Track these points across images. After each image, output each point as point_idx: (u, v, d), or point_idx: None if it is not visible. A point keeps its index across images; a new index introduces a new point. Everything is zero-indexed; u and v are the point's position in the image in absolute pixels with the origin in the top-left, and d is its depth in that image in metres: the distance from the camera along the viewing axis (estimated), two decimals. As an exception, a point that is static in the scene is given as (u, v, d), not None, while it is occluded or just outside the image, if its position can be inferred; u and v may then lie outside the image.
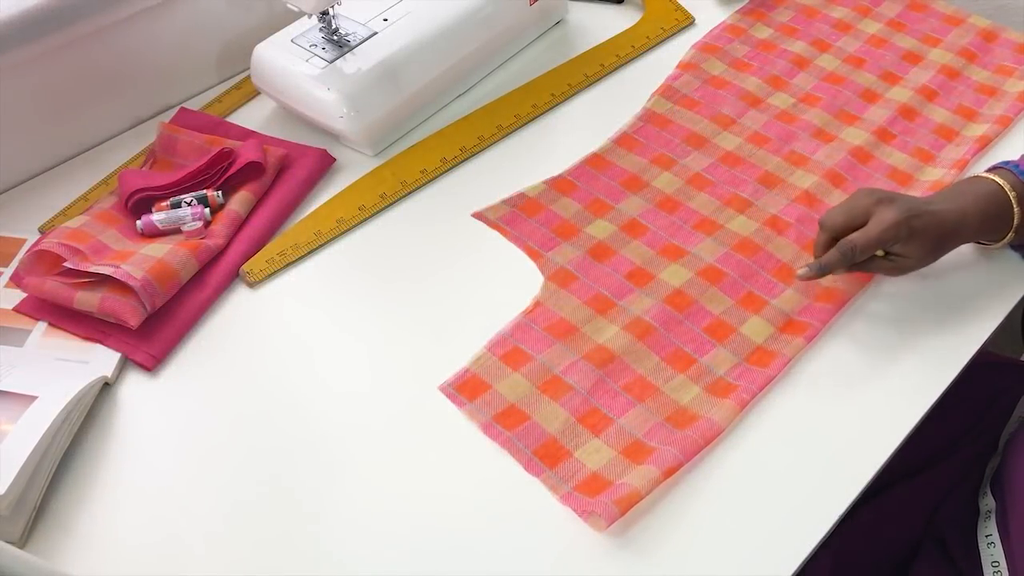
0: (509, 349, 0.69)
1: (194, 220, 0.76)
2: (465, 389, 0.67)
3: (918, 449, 0.67)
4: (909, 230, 0.66)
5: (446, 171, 0.84)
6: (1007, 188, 0.68)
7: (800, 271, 0.68)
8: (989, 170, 0.71)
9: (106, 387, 0.68)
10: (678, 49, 0.95)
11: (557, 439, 0.64)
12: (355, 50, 0.83)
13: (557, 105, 0.90)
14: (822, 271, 0.68)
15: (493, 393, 0.66)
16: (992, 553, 0.67)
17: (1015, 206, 0.68)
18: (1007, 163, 0.70)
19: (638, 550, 0.59)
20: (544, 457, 0.63)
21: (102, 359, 0.69)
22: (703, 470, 0.62)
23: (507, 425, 0.65)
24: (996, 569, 0.66)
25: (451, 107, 0.90)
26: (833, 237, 0.68)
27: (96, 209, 0.78)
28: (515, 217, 0.79)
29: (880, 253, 0.68)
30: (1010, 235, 0.69)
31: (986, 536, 0.69)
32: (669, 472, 0.61)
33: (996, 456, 0.75)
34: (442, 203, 0.81)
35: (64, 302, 0.70)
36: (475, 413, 0.65)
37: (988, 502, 0.72)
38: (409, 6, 0.87)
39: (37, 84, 0.80)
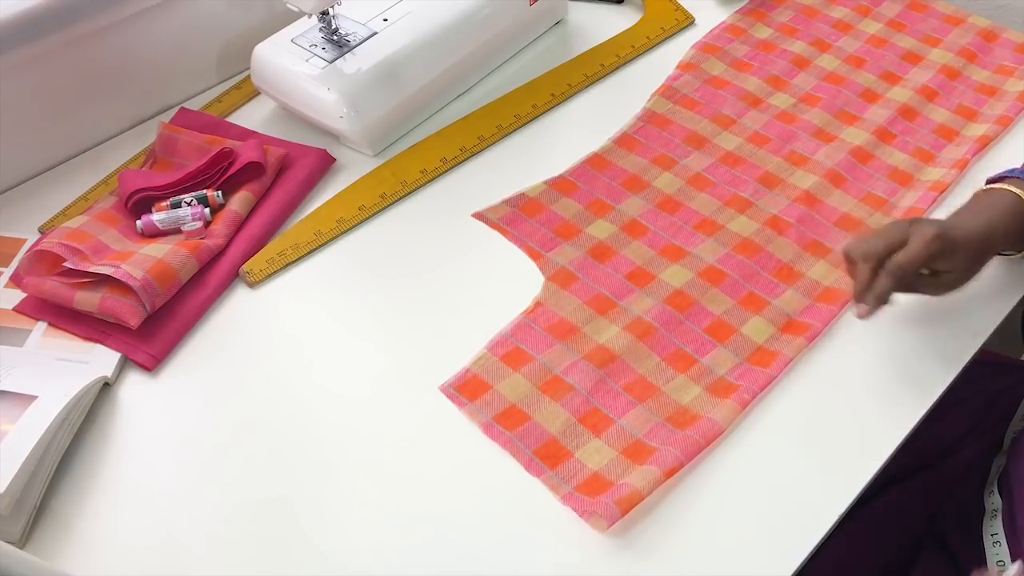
0: (510, 349, 0.69)
1: (194, 220, 0.76)
2: (466, 389, 0.67)
3: (918, 449, 0.67)
4: (951, 242, 0.63)
5: (446, 171, 0.84)
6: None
7: (858, 311, 0.64)
8: (995, 180, 0.70)
9: (106, 387, 0.68)
10: (678, 49, 0.95)
11: (558, 439, 0.64)
12: (355, 50, 0.83)
13: (557, 105, 0.90)
14: (880, 301, 0.64)
15: (494, 393, 0.66)
16: (997, 552, 0.67)
17: None
18: (1012, 171, 0.69)
19: (639, 550, 0.59)
20: (545, 457, 0.63)
21: (102, 359, 0.69)
22: (704, 470, 0.62)
23: (508, 425, 0.65)
24: (1001, 568, 0.66)
25: (451, 107, 0.90)
26: (876, 267, 0.65)
27: (96, 209, 0.78)
28: (515, 217, 0.79)
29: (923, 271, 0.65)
30: None
31: (992, 535, 0.69)
32: (670, 472, 0.61)
33: (1002, 455, 0.75)
34: (442, 203, 0.81)
35: (64, 302, 0.70)
36: (476, 413, 0.65)
37: (994, 500, 0.72)
38: (409, 6, 0.87)
39: (37, 84, 0.80)
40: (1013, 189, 0.67)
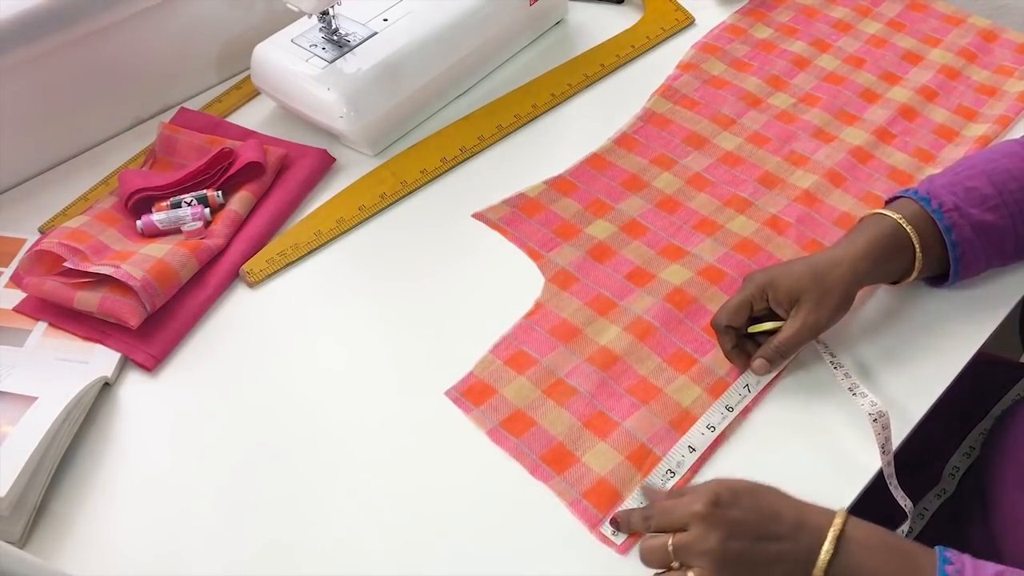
0: (513, 352, 0.69)
1: (194, 220, 0.76)
2: (471, 394, 0.67)
3: (913, 448, 0.67)
4: (769, 280, 0.64)
5: (446, 171, 0.84)
6: (897, 217, 0.66)
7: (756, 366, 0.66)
8: (892, 200, 0.69)
9: (106, 387, 0.68)
10: (678, 49, 0.95)
11: (563, 444, 0.63)
12: (355, 50, 0.83)
13: (557, 105, 0.90)
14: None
15: (499, 398, 0.66)
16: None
17: (908, 229, 0.65)
18: (907, 191, 0.68)
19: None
20: (551, 462, 0.63)
21: (102, 359, 0.69)
22: (705, 471, 0.62)
23: (514, 431, 0.64)
24: None
25: (451, 107, 0.90)
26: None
27: (96, 209, 0.78)
28: (515, 217, 0.79)
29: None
30: (917, 269, 0.66)
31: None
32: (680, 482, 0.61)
33: (962, 456, 0.76)
34: (442, 203, 0.81)
35: (64, 302, 0.70)
36: (481, 419, 0.65)
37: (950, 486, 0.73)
38: (409, 6, 0.87)
39: (37, 84, 0.80)
40: (882, 211, 0.67)
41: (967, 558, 0.52)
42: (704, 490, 0.54)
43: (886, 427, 0.61)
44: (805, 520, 0.54)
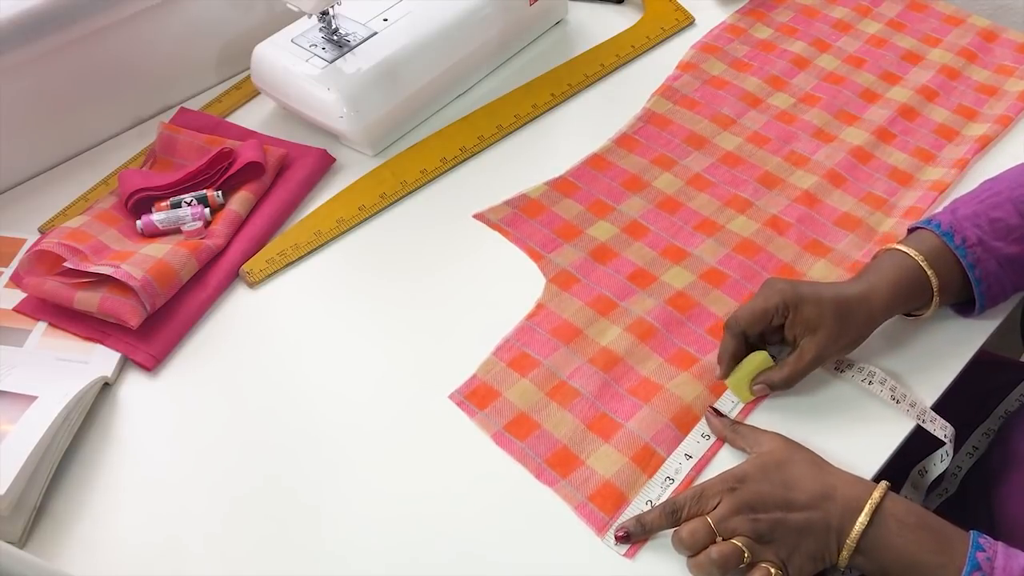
0: (516, 355, 0.69)
1: (194, 220, 0.76)
2: (475, 397, 0.66)
3: (915, 447, 0.67)
4: (796, 296, 0.63)
5: (446, 171, 0.84)
6: (919, 258, 0.65)
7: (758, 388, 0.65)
8: (914, 229, 0.69)
9: (106, 387, 0.68)
10: (678, 49, 0.95)
11: (568, 447, 0.63)
12: (355, 50, 0.83)
13: (557, 105, 0.90)
14: (720, 359, 0.65)
15: (503, 401, 0.66)
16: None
17: (929, 273, 0.65)
18: (930, 221, 0.67)
19: (653, 551, 0.59)
20: (556, 465, 0.62)
21: (102, 359, 0.69)
22: (708, 472, 0.62)
23: (518, 434, 0.64)
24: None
25: (451, 107, 0.90)
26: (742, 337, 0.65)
27: (96, 209, 0.78)
28: (516, 218, 0.79)
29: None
30: (935, 299, 0.65)
31: None
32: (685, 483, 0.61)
33: (965, 455, 0.76)
34: (442, 203, 0.81)
35: (64, 302, 0.70)
36: (486, 422, 0.65)
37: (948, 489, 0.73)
38: (409, 6, 0.87)
39: (37, 84, 0.80)
40: (904, 249, 0.66)
41: (1000, 545, 0.54)
42: (736, 469, 0.59)
43: (951, 439, 0.64)
44: (835, 491, 0.56)
